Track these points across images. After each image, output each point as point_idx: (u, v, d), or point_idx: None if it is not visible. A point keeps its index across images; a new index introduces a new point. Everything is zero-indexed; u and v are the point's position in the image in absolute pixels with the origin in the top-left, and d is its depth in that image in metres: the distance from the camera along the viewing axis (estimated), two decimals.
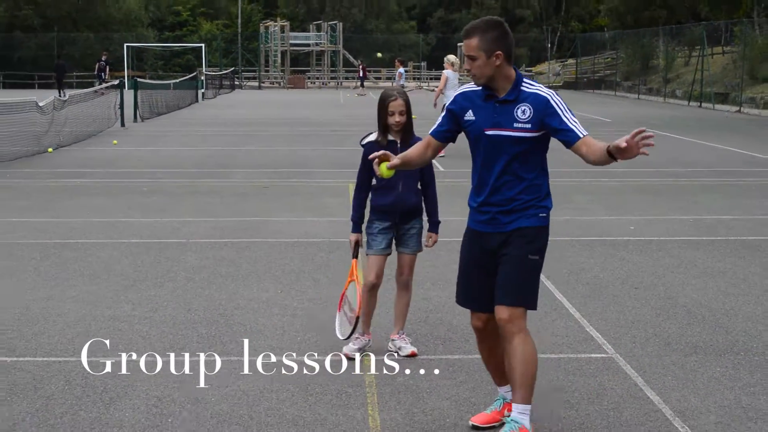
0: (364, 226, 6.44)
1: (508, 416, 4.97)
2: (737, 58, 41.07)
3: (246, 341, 6.73)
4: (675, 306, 7.83)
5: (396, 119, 6.15)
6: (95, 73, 50.33)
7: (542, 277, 8.68)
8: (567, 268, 9.16)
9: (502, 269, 4.90)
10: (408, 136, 6.20)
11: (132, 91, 30.79)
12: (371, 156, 5.22)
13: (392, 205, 6.26)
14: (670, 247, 10.18)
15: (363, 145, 6.33)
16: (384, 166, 5.14)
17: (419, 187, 6.37)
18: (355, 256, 6.27)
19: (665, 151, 20.60)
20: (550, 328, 7.18)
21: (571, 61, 66.22)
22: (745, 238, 10.71)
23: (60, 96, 27.21)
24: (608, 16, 65.96)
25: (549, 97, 4.79)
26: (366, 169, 6.26)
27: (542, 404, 5.59)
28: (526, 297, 4.90)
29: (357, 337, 6.36)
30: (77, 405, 5.56)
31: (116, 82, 32.19)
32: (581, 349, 6.69)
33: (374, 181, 6.28)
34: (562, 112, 4.77)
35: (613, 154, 4.46)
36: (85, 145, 21.87)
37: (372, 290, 6.38)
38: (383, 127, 6.23)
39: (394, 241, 6.42)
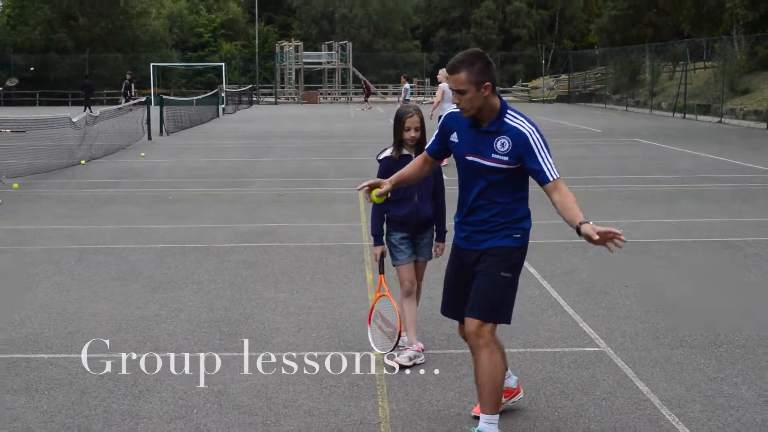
0: (384, 238, 6.27)
1: (477, 428, 4.79)
2: (718, 73, 40.96)
3: (262, 340, 6.75)
4: (662, 303, 7.81)
5: (411, 134, 6.05)
6: (122, 90, 50.67)
7: (538, 276, 8.75)
8: (562, 269, 9.15)
9: (475, 284, 4.79)
10: (421, 151, 6.08)
11: (158, 107, 30.84)
12: (359, 187, 5.14)
13: (408, 216, 6.14)
14: (656, 248, 10.16)
15: (379, 161, 6.21)
16: (374, 193, 5.09)
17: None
18: (382, 271, 6.01)
19: (652, 159, 20.58)
20: (546, 324, 7.18)
21: (564, 76, 66.17)
22: (726, 239, 10.69)
23: (89, 112, 27.27)
24: (598, 34, 65.84)
25: (529, 135, 4.60)
26: None
27: (540, 394, 5.60)
28: (496, 312, 4.73)
29: (406, 348, 6.17)
30: (110, 398, 5.58)
31: (143, 99, 32.27)
32: (575, 344, 6.68)
33: (390, 194, 6.13)
34: (538, 150, 4.59)
35: (579, 232, 4.33)
36: (115, 158, 21.91)
37: (409, 296, 6.22)
38: (398, 142, 6.13)
39: None
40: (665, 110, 44.17)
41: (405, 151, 6.12)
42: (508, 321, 4.83)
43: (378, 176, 6.13)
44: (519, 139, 4.61)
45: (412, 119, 6.06)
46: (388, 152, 6.20)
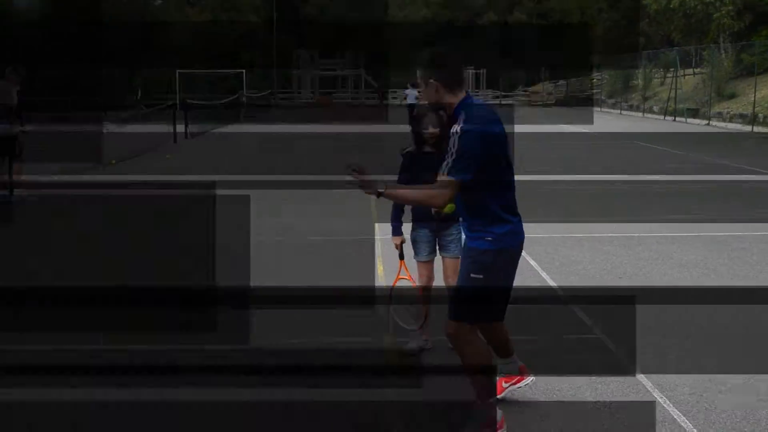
0: (403, 228, 6.15)
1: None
2: (706, 78, 40.75)
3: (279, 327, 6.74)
4: (653, 293, 7.80)
5: (431, 131, 5.87)
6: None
7: (538, 268, 8.73)
8: (560, 261, 9.14)
9: (455, 286, 4.77)
10: (442, 147, 6.00)
11: (183, 111, 30.87)
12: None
13: (429, 210, 5.79)
14: (649, 242, 10.14)
15: (402, 155, 6.08)
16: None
17: None
18: (402, 257, 6.01)
19: (644, 159, 20.51)
20: (545, 313, 7.18)
21: (562, 81, 65.96)
22: (713, 234, 10.65)
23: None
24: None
25: (452, 135, 4.37)
26: (404, 176, 5.99)
27: (540, 378, 5.60)
28: (467, 313, 4.59)
29: (415, 337, 6.14)
30: None
31: (170, 103, 32.30)
32: (572, 331, 6.68)
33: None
34: (452, 150, 4.32)
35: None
36: (143, 159, 21.94)
37: (426, 291, 6.13)
38: (418, 140, 5.95)
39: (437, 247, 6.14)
40: (657, 113, 43.97)
41: (427, 149, 5.92)
42: (482, 321, 4.73)
43: (400, 169, 6.05)
44: (449, 139, 4.42)
45: (430, 116, 5.88)
46: (410, 149, 6.06)
